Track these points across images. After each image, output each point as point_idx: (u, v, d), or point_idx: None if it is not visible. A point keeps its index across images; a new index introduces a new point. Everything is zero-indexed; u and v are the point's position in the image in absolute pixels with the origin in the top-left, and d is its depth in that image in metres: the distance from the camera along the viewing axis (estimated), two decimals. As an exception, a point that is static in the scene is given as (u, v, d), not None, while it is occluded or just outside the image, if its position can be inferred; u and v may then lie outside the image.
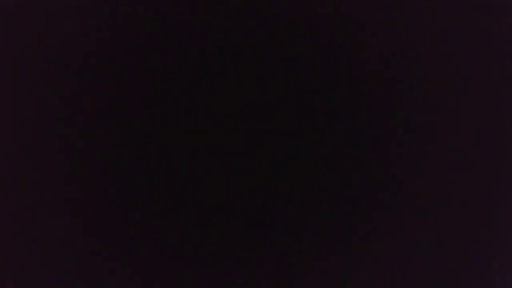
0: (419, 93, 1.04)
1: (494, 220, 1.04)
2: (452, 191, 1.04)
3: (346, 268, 1.02)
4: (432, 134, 1.04)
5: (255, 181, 1.02)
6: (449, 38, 1.05)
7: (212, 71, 1.03)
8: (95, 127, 1.03)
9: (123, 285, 1.02)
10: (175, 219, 1.02)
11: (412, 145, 1.03)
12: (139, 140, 1.03)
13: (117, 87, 1.03)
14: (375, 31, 1.04)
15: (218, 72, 1.03)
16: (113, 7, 1.04)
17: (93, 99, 1.03)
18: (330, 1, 1.04)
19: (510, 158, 1.05)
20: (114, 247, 1.02)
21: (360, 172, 1.03)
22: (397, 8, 1.05)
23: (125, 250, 1.02)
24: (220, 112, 1.03)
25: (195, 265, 1.02)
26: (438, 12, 1.06)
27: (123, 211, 1.02)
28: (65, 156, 1.02)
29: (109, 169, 1.02)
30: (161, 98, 1.03)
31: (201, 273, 1.02)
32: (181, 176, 1.02)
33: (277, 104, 1.03)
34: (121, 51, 1.04)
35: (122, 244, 1.02)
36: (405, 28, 1.05)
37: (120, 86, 1.03)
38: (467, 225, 1.03)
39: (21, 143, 1.03)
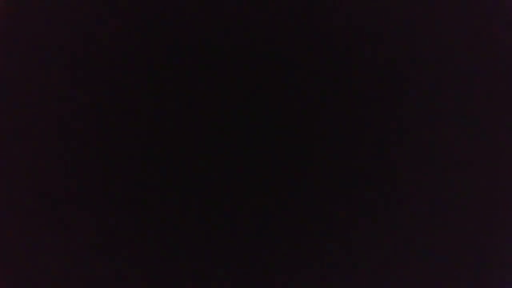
0: (420, 92, 1.04)
1: (494, 220, 1.04)
2: (452, 191, 1.04)
3: (346, 268, 1.02)
4: (432, 134, 1.04)
5: (254, 181, 1.02)
6: (449, 37, 1.05)
7: (212, 70, 1.04)
8: (96, 126, 1.03)
9: (122, 285, 1.02)
10: (174, 219, 1.02)
11: (413, 145, 1.03)
12: (139, 139, 1.03)
13: (117, 87, 1.03)
14: (374, 30, 1.05)
15: (217, 72, 1.04)
16: (113, 7, 1.04)
17: (93, 98, 1.03)
18: (330, 1, 1.05)
19: (510, 158, 1.05)
20: (113, 246, 1.02)
21: (360, 172, 1.03)
22: (398, 8, 1.05)
23: (124, 250, 1.02)
24: (219, 112, 1.03)
25: (195, 265, 1.02)
26: (439, 11, 1.06)
27: (122, 211, 1.02)
28: (65, 156, 1.03)
29: (109, 169, 1.02)
30: (160, 97, 1.03)
31: (202, 273, 1.02)
32: (181, 176, 1.02)
33: (277, 104, 1.03)
34: (120, 50, 1.04)
35: (121, 244, 1.02)
36: (405, 27, 1.05)
37: (120, 85, 1.03)
38: (467, 225, 1.03)
39: (21, 142, 1.03)
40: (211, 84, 1.03)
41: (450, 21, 1.06)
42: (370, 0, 1.05)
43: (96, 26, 1.04)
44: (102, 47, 1.04)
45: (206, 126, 1.03)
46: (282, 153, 1.03)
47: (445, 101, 1.04)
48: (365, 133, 1.03)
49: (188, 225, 1.02)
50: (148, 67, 1.04)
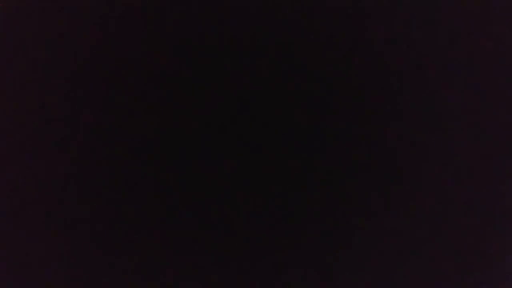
0: (420, 92, 1.04)
1: (494, 220, 1.04)
2: (453, 191, 1.04)
3: (346, 269, 1.02)
4: (432, 134, 1.04)
5: (253, 181, 1.02)
6: (449, 37, 1.05)
7: (211, 71, 1.04)
8: (96, 125, 1.03)
9: (121, 284, 1.02)
10: (174, 219, 1.02)
11: (413, 146, 1.03)
12: (139, 139, 1.03)
13: (116, 86, 1.04)
14: (375, 30, 1.05)
15: (217, 72, 1.04)
16: (113, 7, 1.04)
17: (93, 98, 1.03)
18: (330, 1, 1.05)
19: (510, 158, 1.04)
20: (112, 246, 1.02)
21: (361, 172, 1.03)
22: (398, 7, 1.05)
23: (123, 250, 1.02)
24: (220, 112, 1.03)
25: (195, 265, 1.02)
26: (439, 11, 1.06)
27: (121, 211, 1.02)
28: (64, 155, 1.03)
29: (109, 169, 1.03)
30: (160, 97, 1.03)
31: (203, 274, 1.02)
32: (181, 176, 1.02)
33: (277, 104, 1.03)
34: (121, 49, 1.04)
35: (120, 244, 1.02)
36: (404, 27, 1.05)
37: (119, 85, 1.04)
38: (467, 225, 1.03)
39: (21, 142, 1.03)
40: (211, 84, 1.04)
41: (450, 20, 1.06)
42: (370, 0, 1.05)
43: (96, 26, 1.04)
44: (102, 46, 1.04)
45: (208, 126, 1.03)
46: (283, 153, 1.03)
47: (446, 101, 1.04)
48: (365, 133, 1.03)
49: (190, 226, 1.02)
50: (147, 68, 1.04)
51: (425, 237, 1.03)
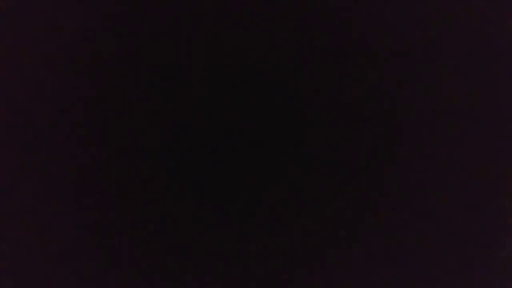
0: (420, 91, 1.04)
1: (494, 220, 1.04)
2: (452, 192, 1.03)
3: (344, 268, 1.02)
4: (431, 134, 1.04)
5: (253, 181, 1.02)
6: (449, 38, 1.05)
7: (209, 72, 1.03)
8: (95, 125, 1.03)
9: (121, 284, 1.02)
10: (174, 219, 1.02)
11: (411, 146, 1.03)
12: (139, 140, 1.03)
13: (117, 86, 1.03)
14: (375, 30, 1.05)
15: (216, 72, 1.03)
16: (113, 7, 1.04)
17: (94, 97, 1.03)
18: (330, 1, 1.05)
19: (510, 158, 1.04)
20: (111, 247, 1.02)
21: (359, 173, 1.03)
22: (398, 9, 1.05)
23: (123, 250, 1.02)
24: (219, 113, 1.03)
25: (194, 266, 1.02)
26: (439, 11, 1.06)
27: (121, 211, 1.02)
28: (63, 155, 1.03)
29: (109, 168, 1.02)
30: (160, 97, 1.03)
31: (202, 274, 1.02)
32: (182, 177, 1.02)
33: (277, 105, 1.03)
34: (122, 49, 1.04)
35: (120, 244, 1.02)
36: (404, 28, 1.05)
37: (120, 85, 1.03)
38: (467, 225, 1.03)
39: (21, 142, 1.03)
40: (209, 85, 1.03)
41: (449, 22, 1.06)
42: (370, 1, 1.05)
43: (97, 26, 1.04)
44: (104, 47, 1.04)
45: (208, 127, 1.03)
46: (282, 153, 1.03)
47: (444, 101, 1.04)
48: (364, 133, 1.03)
49: (191, 226, 1.02)
50: (147, 69, 1.04)
51: (425, 237, 1.03)
